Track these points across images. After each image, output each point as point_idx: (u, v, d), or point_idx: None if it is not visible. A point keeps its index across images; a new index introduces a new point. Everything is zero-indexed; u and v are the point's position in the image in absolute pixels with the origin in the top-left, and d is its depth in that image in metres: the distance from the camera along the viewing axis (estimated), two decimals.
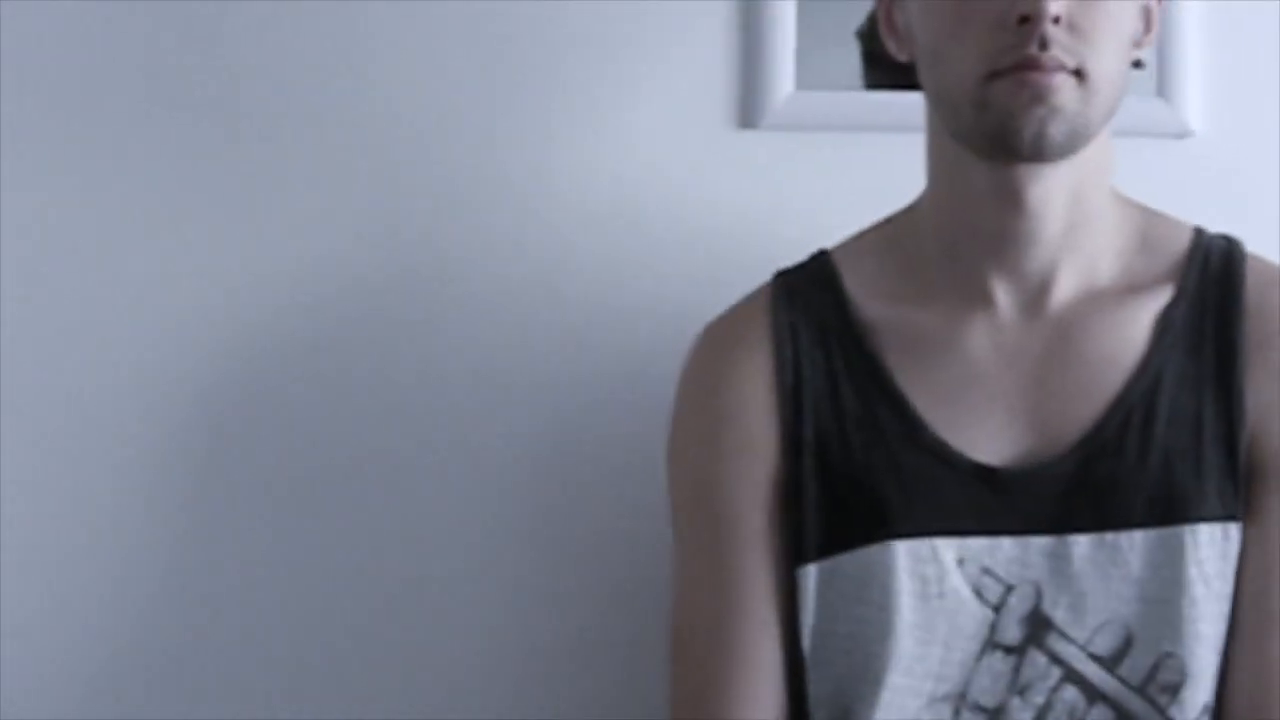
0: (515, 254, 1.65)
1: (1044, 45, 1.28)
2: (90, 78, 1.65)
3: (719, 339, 1.46)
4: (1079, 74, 1.30)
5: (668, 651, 1.42)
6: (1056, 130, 1.30)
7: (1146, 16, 1.38)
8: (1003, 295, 1.38)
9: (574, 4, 1.65)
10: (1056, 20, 1.28)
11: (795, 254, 1.50)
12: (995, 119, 1.30)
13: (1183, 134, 1.64)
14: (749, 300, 1.46)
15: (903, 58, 1.40)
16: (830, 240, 1.49)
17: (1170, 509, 1.33)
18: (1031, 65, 1.28)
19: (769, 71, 1.64)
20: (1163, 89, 1.63)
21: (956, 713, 1.34)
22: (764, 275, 1.50)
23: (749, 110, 1.65)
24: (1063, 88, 1.29)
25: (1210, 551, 1.33)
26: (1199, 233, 1.43)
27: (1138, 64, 1.40)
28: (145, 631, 1.64)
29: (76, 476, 1.64)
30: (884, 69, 1.52)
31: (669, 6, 1.66)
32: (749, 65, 1.65)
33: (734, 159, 1.65)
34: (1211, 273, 1.40)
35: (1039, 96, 1.29)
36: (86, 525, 1.64)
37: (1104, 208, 1.40)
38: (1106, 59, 1.31)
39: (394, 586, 1.64)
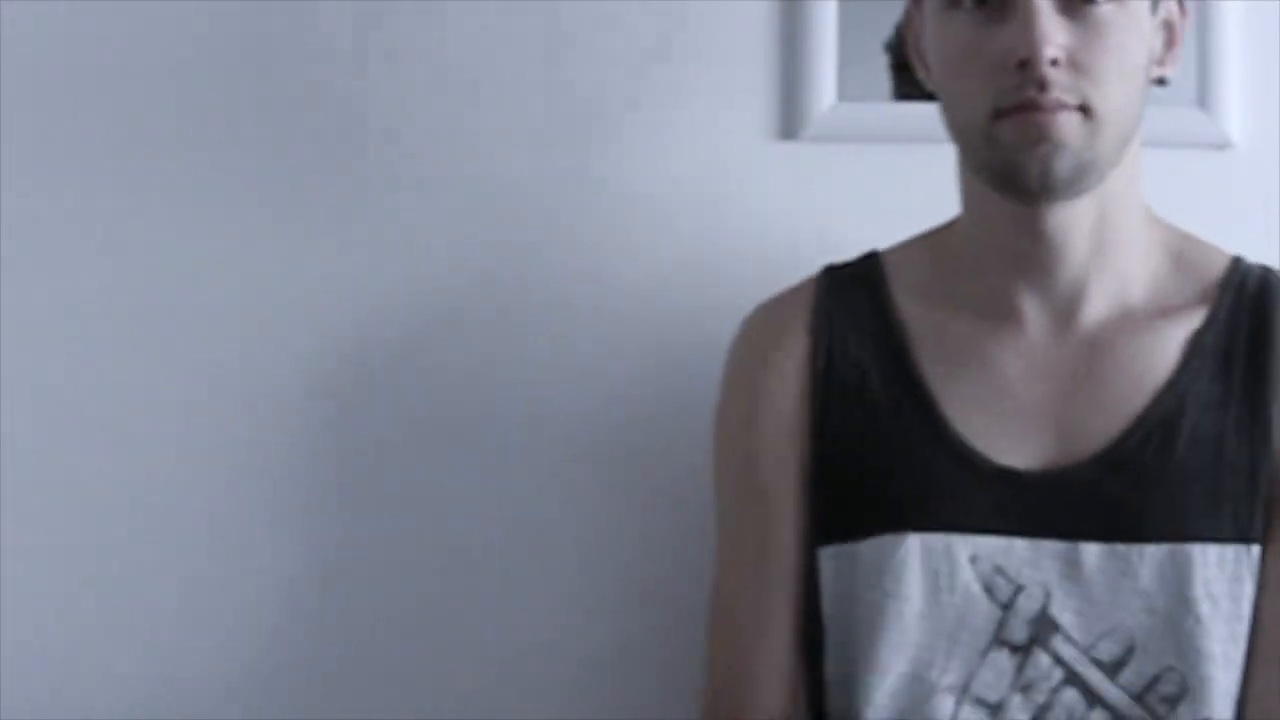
0: (552, 264, 1.66)
1: (1044, 87, 1.30)
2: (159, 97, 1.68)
3: (760, 323, 1.50)
4: (1084, 110, 1.31)
5: (706, 618, 1.48)
6: (1061, 166, 1.32)
7: (1169, 33, 1.39)
8: (1032, 313, 1.40)
9: (614, 16, 1.67)
10: (1055, 62, 1.30)
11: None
12: (1002, 156, 1.33)
13: (1222, 145, 1.63)
14: (794, 289, 1.50)
15: (930, 87, 1.42)
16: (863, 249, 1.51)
17: (1181, 528, 1.35)
18: (1033, 106, 1.31)
19: (810, 82, 1.65)
20: (1203, 100, 1.63)
21: (958, 705, 1.37)
22: None
23: (790, 121, 1.66)
24: (1066, 124, 1.31)
25: (1219, 572, 1.35)
26: (1237, 259, 1.44)
27: (1161, 82, 1.40)
28: (273, 635, 1.67)
29: (202, 480, 1.67)
30: (913, 80, 1.52)
31: (710, 18, 1.67)
32: (790, 76, 1.66)
33: (775, 170, 1.66)
34: (1246, 298, 1.41)
35: (1042, 134, 1.31)
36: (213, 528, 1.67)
37: (1135, 231, 1.41)
38: (1112, 93, 1.32)
39: (459, 589, 1.66)
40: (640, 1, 1.66)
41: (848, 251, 1.49)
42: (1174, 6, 1.40)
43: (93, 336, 1.67)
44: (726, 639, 1.47)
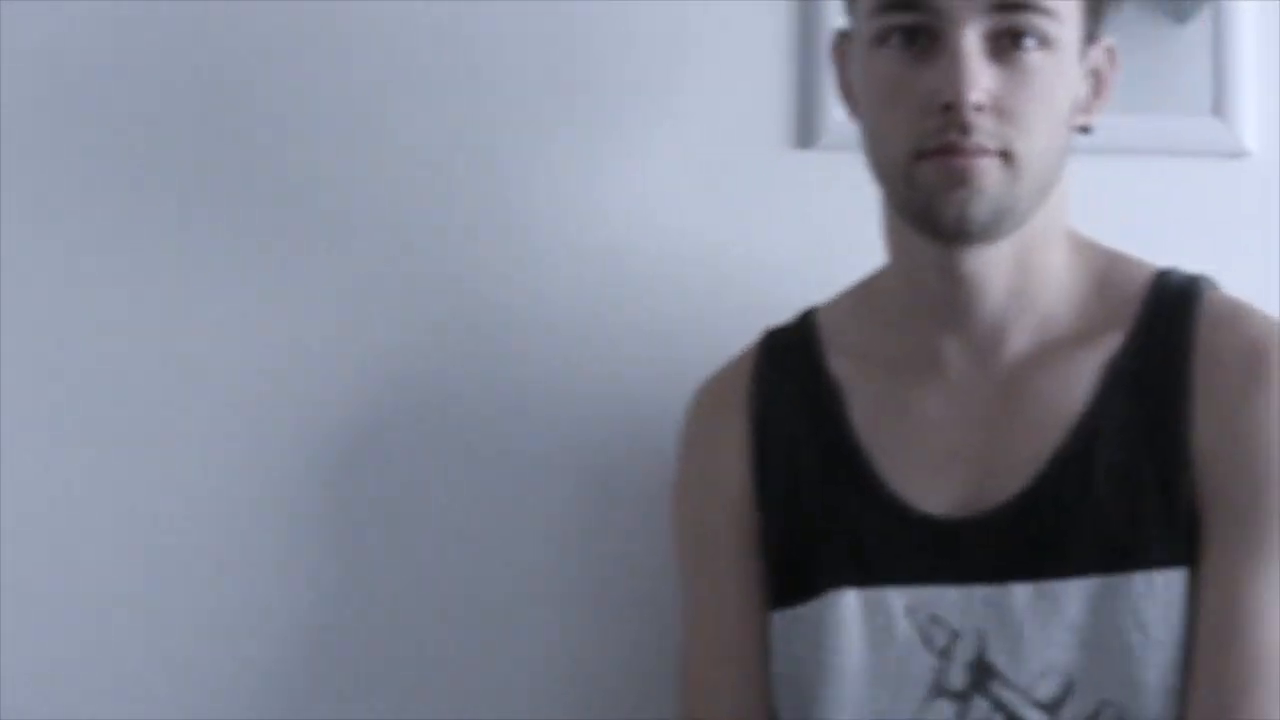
0: (570, 273, 1.67)
1: (966, 131, 1.29)
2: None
3: (703, 402, 1.53)
4: (1005, 155, 1.31)
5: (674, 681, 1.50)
6: (978, 211, 1.31)
7: (1096, 81, 1.38)
8: (953, 357, 1.41)
9: (630, 24, 1.67)
10: (979, 107, 1.29)
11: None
12: (921, 197, 1.33)
13: (1238, 153, 1.63)
14: (736, 360, 1.52)
15: (854, 120, 1.41)
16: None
17: (1106, 559, 1.33)
18: (953, 150, 1.30)
19: (825, 91, 1.64)
20: (1218, 108, 1.62)
21: None
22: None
23: (805, 130, 1.66)
24: (987, 170, 1.30)
25: (1147, 601, 1.33)
26: (1163, 273, 1.41)
27: (1084, 130, 1.38)
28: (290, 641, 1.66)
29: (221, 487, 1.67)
30: None
31: (726, 27, 1.67)
32: (805, 85, 1.66)
33: (790, 179, 1.66)
34: (1163, 314, 1.38)
35: (961, 179, 1.30)
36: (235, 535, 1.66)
37: (1057, 266, 1.40)
38: (1036, 139, 1.32)
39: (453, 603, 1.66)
40: (655, 10, 1.67)
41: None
42: (1102, 56, 1.38)
43: (100, 343, 1.67)
44: (688, 702, 1.48)
